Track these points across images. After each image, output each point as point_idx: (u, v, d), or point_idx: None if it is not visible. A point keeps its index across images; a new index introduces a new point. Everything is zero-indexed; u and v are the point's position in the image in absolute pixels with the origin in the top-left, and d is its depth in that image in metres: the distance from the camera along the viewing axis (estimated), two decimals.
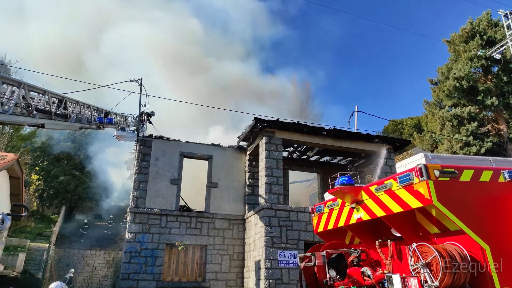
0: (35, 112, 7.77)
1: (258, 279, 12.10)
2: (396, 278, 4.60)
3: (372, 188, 5.41)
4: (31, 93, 7.95)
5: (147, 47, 43.09)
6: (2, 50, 43.49)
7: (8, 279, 15.42)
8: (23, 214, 10.02)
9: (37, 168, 32.73)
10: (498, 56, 20.75)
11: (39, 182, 32.83)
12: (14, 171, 15.33)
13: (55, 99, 8.99)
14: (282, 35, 74.72)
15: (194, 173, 15.94)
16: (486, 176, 4.92)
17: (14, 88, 7.32)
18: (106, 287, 24.20)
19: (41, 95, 8.26)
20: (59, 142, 31.00)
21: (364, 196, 5.57)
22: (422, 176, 4.54)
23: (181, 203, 14.59)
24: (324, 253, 6.14)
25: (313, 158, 17.65)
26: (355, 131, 17.52)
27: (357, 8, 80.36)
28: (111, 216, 30.15)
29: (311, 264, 6.15)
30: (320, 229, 6.80)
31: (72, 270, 18.78)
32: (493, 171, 5.03)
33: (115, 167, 30.83)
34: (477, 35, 23.44)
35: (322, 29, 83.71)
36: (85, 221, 28.52)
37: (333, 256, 6.23)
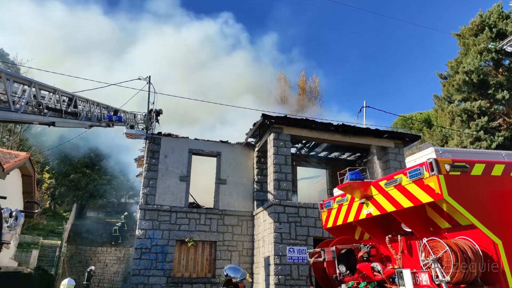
0: (46, 110, 7.86)
1: (267, 275, 12.14)
2: (407, 273, 4.57)
3: (382, 183, 5.38)
4: (42, 91, 8.06)
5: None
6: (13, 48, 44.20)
7: (22, 275, 15.71)
8: (36, 211, 10.20)
9: (47, 168, 33.19)
10: (509, 49, 20.40)
11: (51, 180, 33.30)
12: (26, 169, 15.59)
13: (65, 97, 9.09)
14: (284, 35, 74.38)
15: (203, 170, 15.99)
16: (498, 170, 4.86)
17: (26, 87, 7.43)
18: (117, 283, 24.48)
19: (51, 93, 8.37)
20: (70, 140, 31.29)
21: (374, 191, 5.54)
22: (432, 170, 4.48)
23: (190, 199, 14.68)
24: (333, 248, 6.14)
25: (322, 154, 17.59)
26: (364, 126, 17.41)
27: (361, 2, 79.52)
28: (124, 213, 30.43)
29: (321, 259, 6.15)
30: (329, 224, 6.79)
31: (92, 267, 20.49)
32: (505, 165, 4.96)
33: (124, 164, 31.06)
34: (487, 28, 23.11)
35: (325, 26, 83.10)
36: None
37: (343, 251, 6.22)
